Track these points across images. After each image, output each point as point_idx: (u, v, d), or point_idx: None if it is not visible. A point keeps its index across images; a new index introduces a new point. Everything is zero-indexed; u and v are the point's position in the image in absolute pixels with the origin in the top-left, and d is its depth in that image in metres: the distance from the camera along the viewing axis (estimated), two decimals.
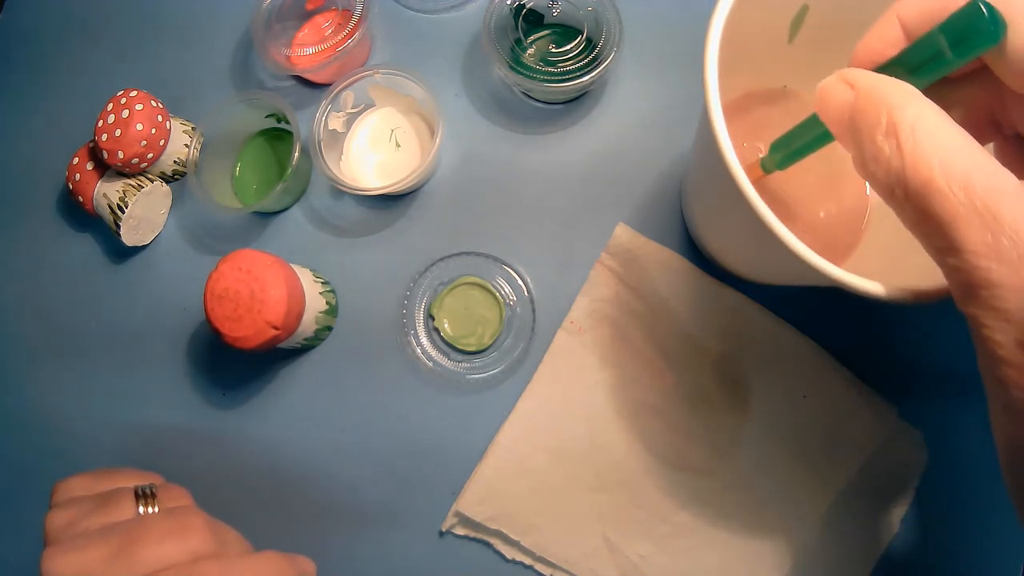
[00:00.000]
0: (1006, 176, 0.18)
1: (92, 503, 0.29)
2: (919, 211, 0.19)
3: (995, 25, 0.19)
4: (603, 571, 0.40)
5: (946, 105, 0.20)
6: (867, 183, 0.21)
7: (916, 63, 0.21)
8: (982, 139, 0.19)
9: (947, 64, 0.21)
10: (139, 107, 0.45)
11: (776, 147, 0.30)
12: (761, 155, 0.31)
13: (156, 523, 0.27)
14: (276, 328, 0.38)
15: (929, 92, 0.20)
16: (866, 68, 0.23)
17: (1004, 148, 0.25)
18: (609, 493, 0.41)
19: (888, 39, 0.23)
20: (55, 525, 0.28)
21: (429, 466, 0.43)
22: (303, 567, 0.30)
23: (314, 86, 0.50)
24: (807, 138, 0.27)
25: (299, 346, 0.44)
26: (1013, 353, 0.18)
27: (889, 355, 0.41)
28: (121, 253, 0.49)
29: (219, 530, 0.28)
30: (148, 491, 0.30)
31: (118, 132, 0.44)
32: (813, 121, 0.26)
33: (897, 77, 0.21)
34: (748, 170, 0.34)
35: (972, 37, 0.20)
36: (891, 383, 0.40)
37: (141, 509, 0.29)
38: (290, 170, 0.43)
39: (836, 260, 0.34)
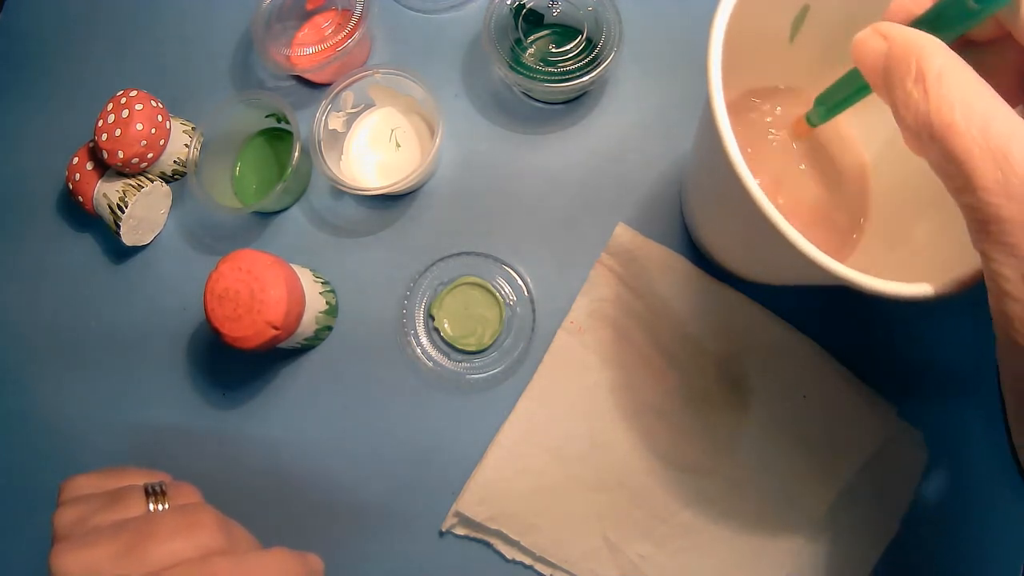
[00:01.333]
0: (1020, 123, 0.20)
1: (101, 500, 0.29)
2: (942, 152, 0.20)
3: None
4: (603, 571, 0.40)
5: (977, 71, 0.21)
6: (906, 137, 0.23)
7: (942, 17, 0.23)
8: (1012, 104, 0.21)
9: (971, 16, 0.22)
10: (139, 107, 0.45)
11: (820, 100, 0.31)
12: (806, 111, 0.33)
13: (167, 519, 0.27)
14: (276, 328, 0.38)
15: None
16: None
17: None
18: (609, 493, 0.41)
19: None
20: (63, 522, 0.28)
21: (429, 466, 0.43)
22: (312, 564, 0.30)
23: (314, 86, 0.50)
24: (848, 90, 0.29)
25: (299, 346, 0.44)
26: (1018, 287, 0.20)
27: (889, 355, 0.41)
28: (121, 253, 0.49)
29: (229, 527, 0.29)
30: (158, 488, 0.30)
31: (118, 132, 0.44)
32: (852, 75, 0.28)
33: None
34: (795, 125, 0.36)
35: None
36: (891, 383, 0.40)
37: (151, 506, 0.29)
38: (290, 170, 0.43)
39: (840, 258, 0.33)
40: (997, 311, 0.21)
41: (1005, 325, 0.21)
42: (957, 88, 0.20)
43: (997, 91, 0.20)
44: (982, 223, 0.20)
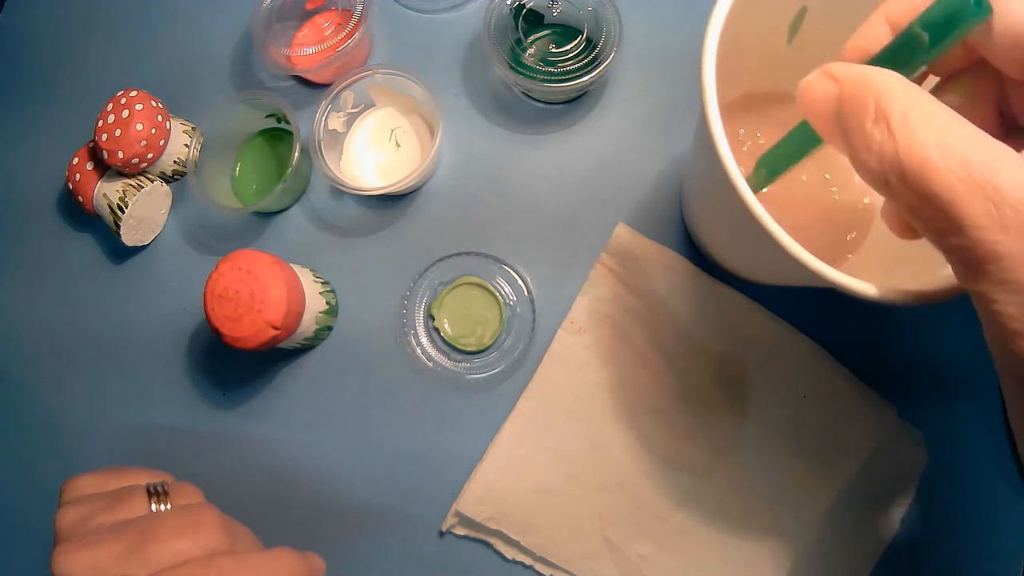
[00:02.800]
0: (1002, 148, 0.18)
1: (104, 500, 0.29)
2: (917, 195, 0.18)
3: (979, 7, 0.19)
4: (603, 571, 0.40)
5: (954, 102, 0.20)
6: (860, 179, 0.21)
7: (897, 55, 0.21)
8: (993, 135, 0.19)
9: (926, 52, 0.21)
10: (139, 107, 0.45)
11: (763, 162, 0.29)
12: (746, 175, 0.31)
13: (170, 519, 0.27)
14: (276, 328, 0.38)
15: (936, 89, 0.21)
16: None
17: (1013, 144, 0.25)
18: (609, 493, 0.41)
19: (876, 37, 0.23)
20: (66, 522, 0.28)
21: (429, 466, 0.43)
22: (314, 563, 0.30)
23: (314, 86, 0.50)
24: (795, 145, 0.27)
25: (299, 346, 0.44)
26: None
27: (889, 355, 0.41)
28: (121, 253, 0.49)
29: (232, 527, 0.29)
30: (160, 489, 0.30)
31: (118, 132, 0.44)
32: (798, 130, 0.26)
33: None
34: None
35: (950, 22, 0.20)
36: (891, 383, 0.40)
37: (153, 507, 0.29)
38: (290, 170, 0.43)
39: (837, 261, 0.34)
40: (1004, 353, 0.19)
41: (1017, 366, 0.19)
42: (926, 122, 0.18)
43: (975, 123, 0.19)
44: (975, 264, 0.18)
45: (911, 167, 0.18)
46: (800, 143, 0.26)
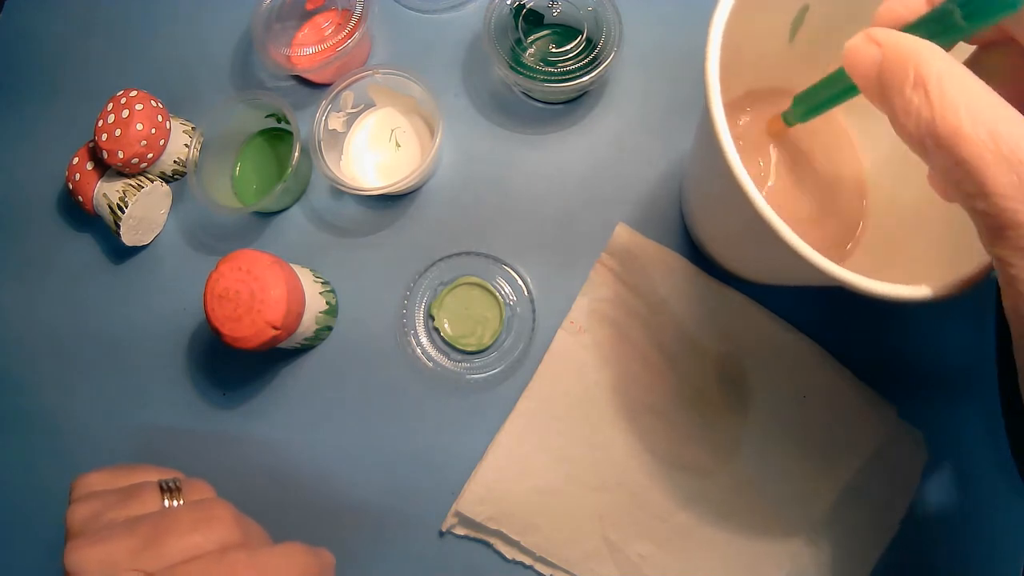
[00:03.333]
0: None
1: (116, 496, 0.29)
2: (949, 159, 0.20)
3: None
4: (603, 571, 0.40)
5: (984, 73, 0.21)
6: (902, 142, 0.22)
7: (929, 29, 0.22)
8: (1020, 110, 0.20)
9: (958, 31, 0.22)
10: (139, 107, 0.45)
11: (800, 100, 0.30)
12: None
13: (183, 514, 0.27)
14: (276, 328, 0.38)
15: (971, 61, 0.22)
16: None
17: None
18: (609, 493, 0.41)
19: (910, 3, 0.24)
20: (77, 518, 0.28)
21: (429, 466, 0.43)
22: (324, 559, 0.30)
23: (314, 86, 0.50)
24: (832, 91, 0.28)
25: (299, 346, 0.44)
26: None
27: (889, 355, 0.41)
28: (121, 253, 0.49)
29: (244, 522, 0.29)
30: (173, 485, 0.30)
31: (118, 132, 0.44)
32: (838, 75, 0.27)
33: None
34: (770, 123, 0.35)
35: (985, 7, 0.21)
36: (891, 383, 0.40)
37: (166, 502, 0.29)
38: (290, 170, 0.43)
39: (837, 260, 0.33)
40: (1018, 317, 0.21)
41: None
42: (960, 92, 0.20)
43: (1006, 98, 0.20)
44: (997, 229, 0.20)
45: (945, 133, 0.19)
46: (839, 89, 0.27)
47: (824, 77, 0.28)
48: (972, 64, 0.25)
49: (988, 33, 0.24)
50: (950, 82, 0.20)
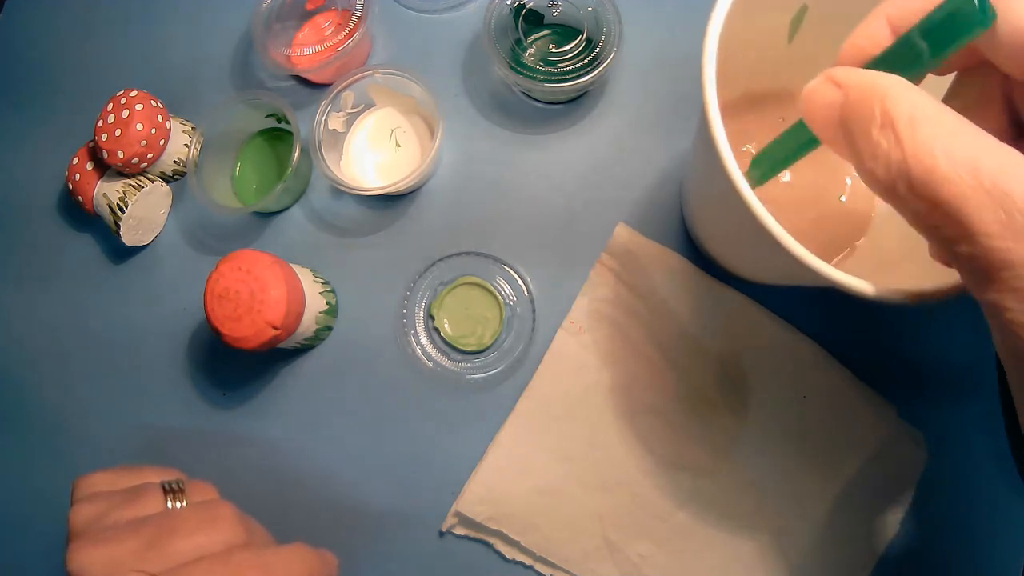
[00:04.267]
0: (1013, 153, 0.18)
1: (119, 497, 0.28)
2: (925, 202, 0.18)
3: (983, 15, 0.19)
4: (603, 571, 0.40)
5: (963, 104, 0.20)
6: (867, 184, 0.21)
7: (897, 64, 0.21)
8: (1004, 140, 0.18)
9: (927, 61, 0.20)
10: (139, 107, 0.45)
11: (757, 162, 0.28)
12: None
13: (188, 515, 0.27)
14: (276, 328, 0.38)
15: (948, 94, 0.20)
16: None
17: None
18: (609, 493, 0.41)
19: (875, 37, 0.22)
20: (80, 519, 0.27)
21: (429, 466, 0.43)
22: (327, 560, 0.30)
23: (314, 86, 0.50)
24: (790, 147, 0.26)
25: (299, 346, 0.44)
26: None
27: (889, 355, 0.41)
28: (121, 253, 0.49)
29: (248, 523, 0.29)
30: (176, 486, 0.30)
31: (118, 132, 0.44)
32: (797, 128, 0.25)
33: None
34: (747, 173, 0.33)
35: (951, 31, 0.19)
36: (891, 383, 0.40)
37: (170, 503, 0.29)
38: (290, 170, 0.43)
39: (837, 260, 0.33)
40: (1020, 362, 0.19)
41: None
42: (934, 128, 0.18)
43: (984, 127, 0.18)
44: (986, 272, 0.18)
45: (919, 175, 0.18)
46: (798, 143, 0.26)
47: (781, 132, 0.26)
48: (950, 96, 0.23)
49: (962, 58, 0.22)
50: (922, 118, 0.18)
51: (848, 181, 0.39)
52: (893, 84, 0.19)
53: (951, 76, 0.24)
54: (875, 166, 0.19)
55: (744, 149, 0.39)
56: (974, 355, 0.41)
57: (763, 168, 0.28)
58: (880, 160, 0.19)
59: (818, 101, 0.21)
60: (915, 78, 0.20)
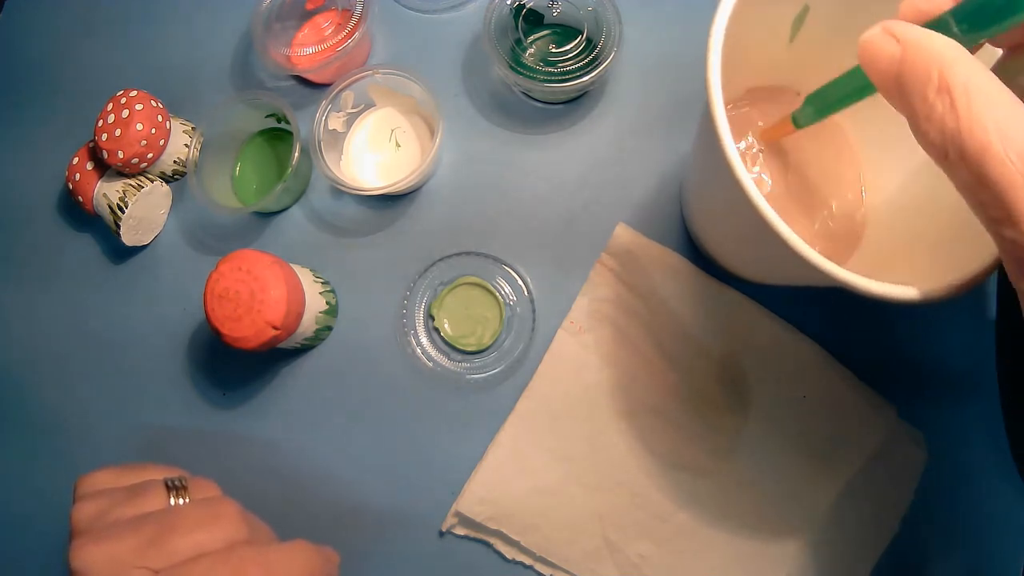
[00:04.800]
0: None
1: (122, 494, 0.28)
2: (974, 176, 0.18)
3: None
4: (603, 571, 0.40)
5: (1010, 81, 0.19)
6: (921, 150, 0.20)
7: (971, 16, 0.20)
8: None
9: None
10: (139, 107, 0.45)
11: (812, 99, 0.29)
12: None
13: (190, 512, 0.27)
14: (276, 328, 0.38)
15: (995, 67, 0.20)
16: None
17: None
18: (609, 493, 0.41)
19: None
20: (83, 516, 0.27)
21: (429, 466, 0.43)
22: (329, 557, 0.30)
23: (314, 86, 0.50)
24: (847, 90, 0.26)
25: (299, 346, 0.44)
26: None
27: (889, 355, 0.41)
28: (121, 253, 0.49)
29: (250, 520, 0.29)
30: (179, 483, 0.30)
31: (118, 132, 0.44)
32: (852, 74, 0.25)
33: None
34: (779, 125, 0.33)
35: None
36: (891, 383, 0.40)
37: (172, 500, 0.29)
38: (290, 170, 0.43)
39: (837, 260, 0.33)
40: None
41: None
42: (989, 104, 0.18)
43: None
44: None
45: (972, 149, 0.18)
46: (854, 87, 0.26)
47: (839, 75, 0.27)
48: (997, 71, 0.23)
49: (1013, 36, 0.21)
50: (977, 92, 0.18)
51: (853, 181, 0.39)
52: (952, 49, 0.19)
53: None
54: (929, 128, 0.19)
55: (741, 147, 0.39)
56: (974, 355, 0.41)
57: (817, 106, 0.28)
58: (935, 123, 0.18)
59: (876, 53, 0.20)
60: (979, 41, 0.20)
